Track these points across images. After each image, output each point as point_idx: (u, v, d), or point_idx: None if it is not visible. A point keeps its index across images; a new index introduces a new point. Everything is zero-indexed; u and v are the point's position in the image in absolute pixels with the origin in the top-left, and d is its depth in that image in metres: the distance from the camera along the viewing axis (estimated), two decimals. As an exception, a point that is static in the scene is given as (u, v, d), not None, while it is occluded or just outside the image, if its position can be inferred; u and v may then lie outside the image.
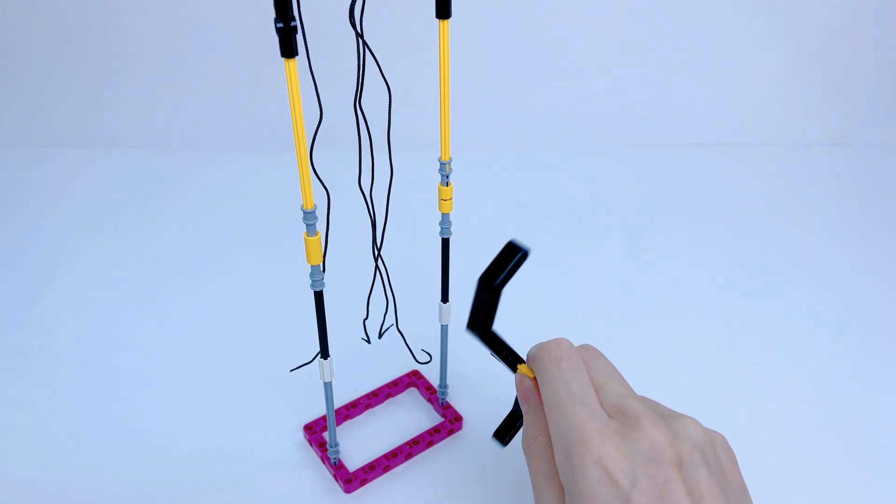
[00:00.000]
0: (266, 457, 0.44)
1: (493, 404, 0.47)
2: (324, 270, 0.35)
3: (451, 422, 0.46)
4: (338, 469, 0.43)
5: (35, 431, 0.46)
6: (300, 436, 0.45)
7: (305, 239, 0.33)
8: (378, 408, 0.48)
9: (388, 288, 0.42)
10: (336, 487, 0.42)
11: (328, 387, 0.39)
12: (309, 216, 0.32)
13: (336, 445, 0.42)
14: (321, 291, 0.35)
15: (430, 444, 0.45)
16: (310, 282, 0.35)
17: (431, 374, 0.49)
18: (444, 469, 0.44)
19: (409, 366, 0.49)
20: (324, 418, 0.45)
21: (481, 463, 0.44)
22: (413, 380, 0.49)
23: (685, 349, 0.52)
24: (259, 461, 0.44)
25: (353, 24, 0.31)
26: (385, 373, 0.49)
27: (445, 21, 0.33)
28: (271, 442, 0.45)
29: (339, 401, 0.47)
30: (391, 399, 0.48)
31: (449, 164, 0.37)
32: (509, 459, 0.44)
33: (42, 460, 0.44)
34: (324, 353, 0.38)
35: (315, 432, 0.45)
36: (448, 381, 0.46)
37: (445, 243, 0.40)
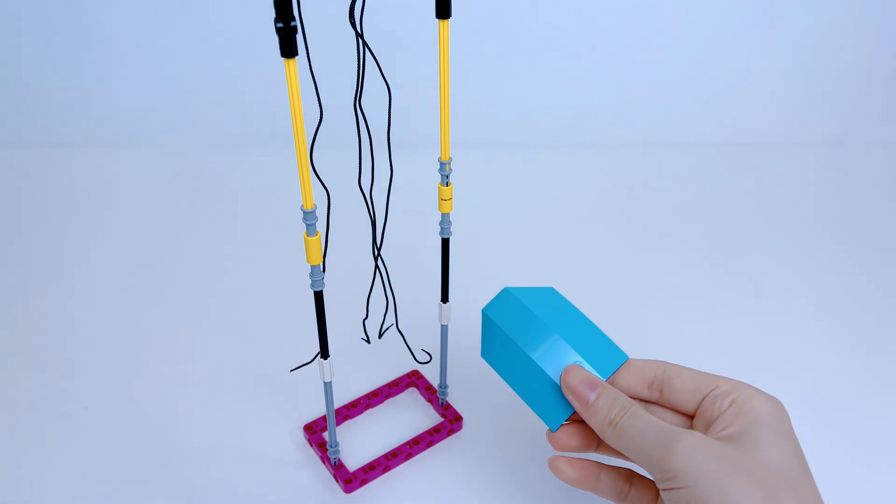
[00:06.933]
0: (266, 457, 0.44)
1: (493, 404, 0.47)
2: (324, 270, 0.35)
3: (451, 422, 0.46)
4: (338, 469, 0.43)
5: (35, 431, 0.46)
6: (300, 436, 0.45)
7: (305, 239, 0.33)
8: (378, 408, 0.48)
9: (388, 288, 0.42)
10: (336, 487, 0.42)
11: (328, 387, 0.39)
12: (309, 216, 0.32)
13: (336, 445, 0.42)
14: (321, 291, 0.35)
15: (430, 444, 0.45)
16: (310, 282, 0.35)
17: (431, 374, 0.49)
18: (444, 469, 0.44)
19: (409, 366, 0.49)
20: (324, 418, 0.45)
21: (481, 463, 0.44)
22: (413, 380, 0.49)
23: (684, 351, 0.52)
24: (259, 461, 0.44)
25: (353, 24, 0.31)
26: (385, 373, 0.49)
27: (445, 21, 0.33)
28: (271, 442, 0.45)
29: (340, 401, 0.47)
30: (391, 399, 0.48)
31: (449, 164, 0.37)
32: (509, 460, 0.44)
33: (42, 460, 0.44)
34: (324, 353, 0.38)
35: (315, 432, 0.45)
36: (448, 381, 0.46)
37: (445, 243, 0.40)
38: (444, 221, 0.39)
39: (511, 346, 0.37)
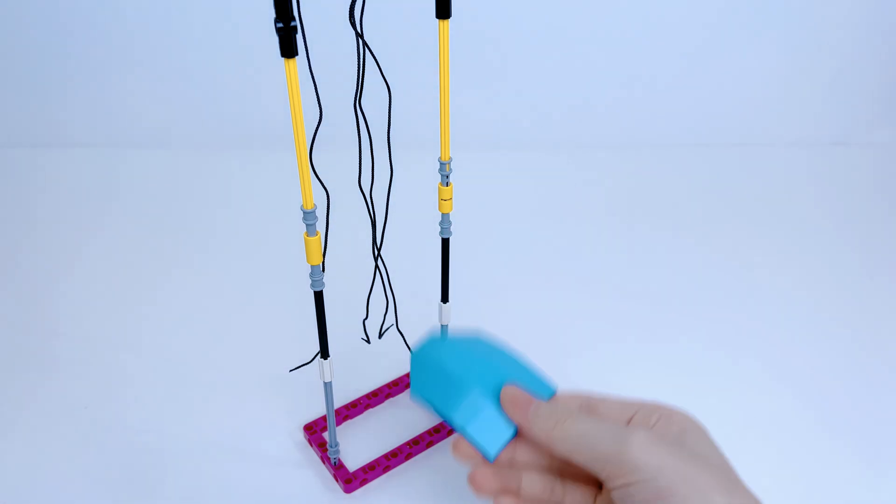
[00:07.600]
0: (266, 457, 0.44)
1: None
2: (324, 270, 0.35)
3: (451, 422, 0.46)
4: (338, 469, 0.43)
5: (35, 430, 0.46)
6: (300, 436, 0.45)
7: (305, 239, 0.33)
8: (378, 408, 0.48)
9: (387, 288, 0.42)
10: (336, 487, 0.42)
11: (328, 387, 0.39)
12: (309, 216, 0.32)
13: (336, 445, 0.42)
14: (321, 291, 0.35)
15: (430, 444, 0.45)
16: (310, 282, 0.35)
17: (431, 374, 0.49)
18: (444, 469, 0.44)
19: (409, 366, 0.49)
20: (324, 418, 0.45)
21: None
22: (413, 380, 0.49)
23: (683, 350, 0.52)
24: (259, 461, 0.44)
25: (353, 24, 0.31)
26: (385, 373, 0.49)
27: (445, 21, 0.33)
28: (271, 442, 0.45)
29: (340, 401, 0.47)
30: (391, 399, 0.48)
31: (449, 164, 0.37)
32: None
33: (42, 459, 0.44)
34: (324, 353, 0.38)
35: (315, 432, 0.45)
36: (448, 381, 0.46)
37: (445, 243, 0.40)
38: (444, 221, 0.39)
39: (438, 407, 0.36)
